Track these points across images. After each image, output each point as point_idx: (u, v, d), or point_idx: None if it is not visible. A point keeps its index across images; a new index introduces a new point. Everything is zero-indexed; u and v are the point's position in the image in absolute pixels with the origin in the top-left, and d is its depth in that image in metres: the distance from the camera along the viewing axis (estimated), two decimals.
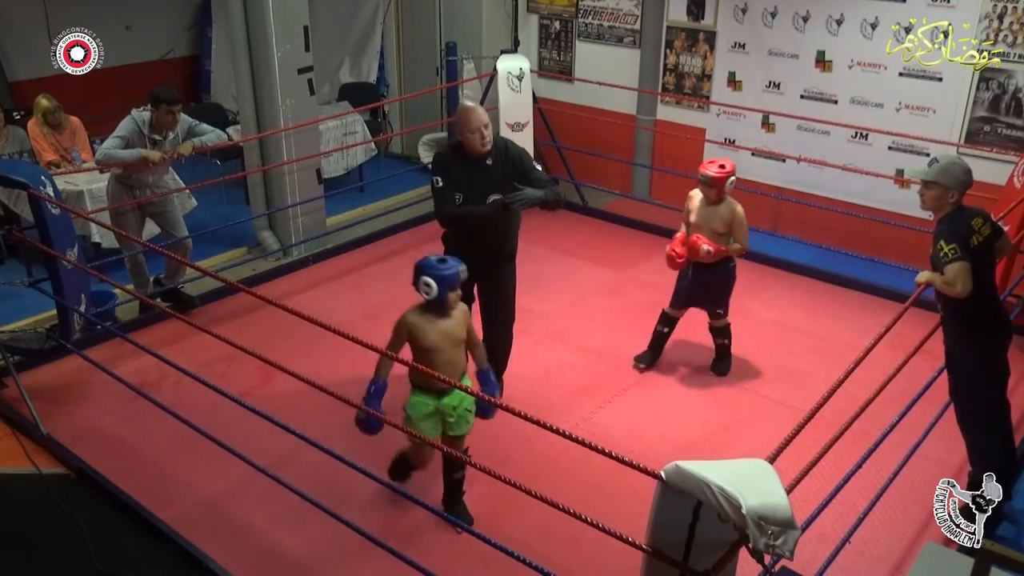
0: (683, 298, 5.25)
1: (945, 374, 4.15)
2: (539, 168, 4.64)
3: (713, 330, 5.34)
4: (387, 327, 5.78)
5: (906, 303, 3.77)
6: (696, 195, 5.07)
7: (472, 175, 4.49)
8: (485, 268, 4.59)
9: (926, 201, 3.83)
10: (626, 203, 7.98)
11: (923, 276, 3.83)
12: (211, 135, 5.87)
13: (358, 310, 6.07)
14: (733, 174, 4.91)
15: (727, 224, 4.96)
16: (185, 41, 9.60)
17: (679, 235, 5.12)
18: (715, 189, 4.89)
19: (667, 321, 5.35)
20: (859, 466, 3.66)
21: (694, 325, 5.91)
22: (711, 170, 4.88)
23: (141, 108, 5.58)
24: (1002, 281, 5.36)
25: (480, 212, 4.50)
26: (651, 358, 5.41)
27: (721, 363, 5.36)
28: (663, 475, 2.20)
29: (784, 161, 7.16)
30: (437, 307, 3.68)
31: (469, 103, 4.55)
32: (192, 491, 4.28)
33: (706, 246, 4.89)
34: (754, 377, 5.30)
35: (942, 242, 3.65)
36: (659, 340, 5.40)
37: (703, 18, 7.50)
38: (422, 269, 3.65)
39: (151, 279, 6.13)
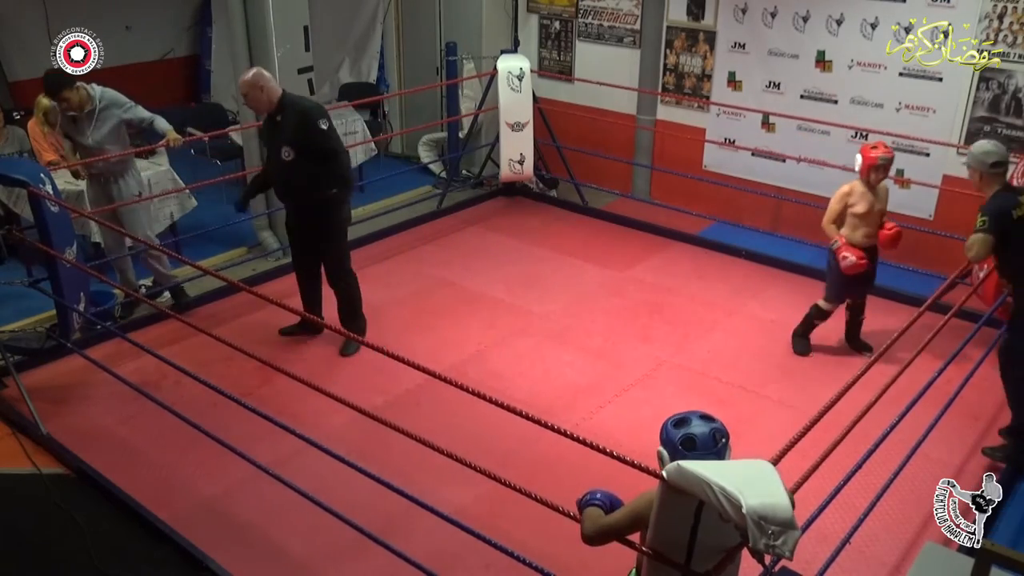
0: (850, 289, 5.30)
1: (945, 374, 4.19)
2: (323, 128, 5.00)
3: (858, 308, 5.46)
4: (386, 326, 5.82)
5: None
6: (855, 188, 5.12)
7: (268, 130, 5.20)
8: (299, 218, 5.29)
9: None
10: (626, 203, 7.98)
11: None
12: (159, 123, 5.66)
13: None
14: None
15: (886, 200, 5.19)
16: (185, 41, 9.61)
17: (841, 241, 5.13)
18: (889, 169, 5.09)
19: (824, 315, 5.44)
20: (859, 466, 3.65)
21: (694, 326, 5.92)
22: (886, 151, 5.02)
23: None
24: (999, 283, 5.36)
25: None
26: (806, 346, 5.55)
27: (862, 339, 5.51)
28: (664, 475, 2.20)
29: (784, 161, 7.16)
30: None
31: (249, 71, 5.10)
32: (192, 491, 4.27)
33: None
34: (754, 377, 5.30)
35: None
36: (811, 328, 5.52)
37: (703, 18, 7.50)
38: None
39: (153, 278, 6.16)
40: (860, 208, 5.08)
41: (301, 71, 6.66)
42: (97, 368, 4.86)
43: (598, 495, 2.59)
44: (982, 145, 4.34)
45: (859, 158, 5.06)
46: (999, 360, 4.44)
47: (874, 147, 5.05)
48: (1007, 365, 4.39)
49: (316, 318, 4.72)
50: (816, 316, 5.45)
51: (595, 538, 2.53)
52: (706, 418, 2.35)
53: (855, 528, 3.63)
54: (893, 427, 3.78)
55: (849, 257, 5.06)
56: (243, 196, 5.59)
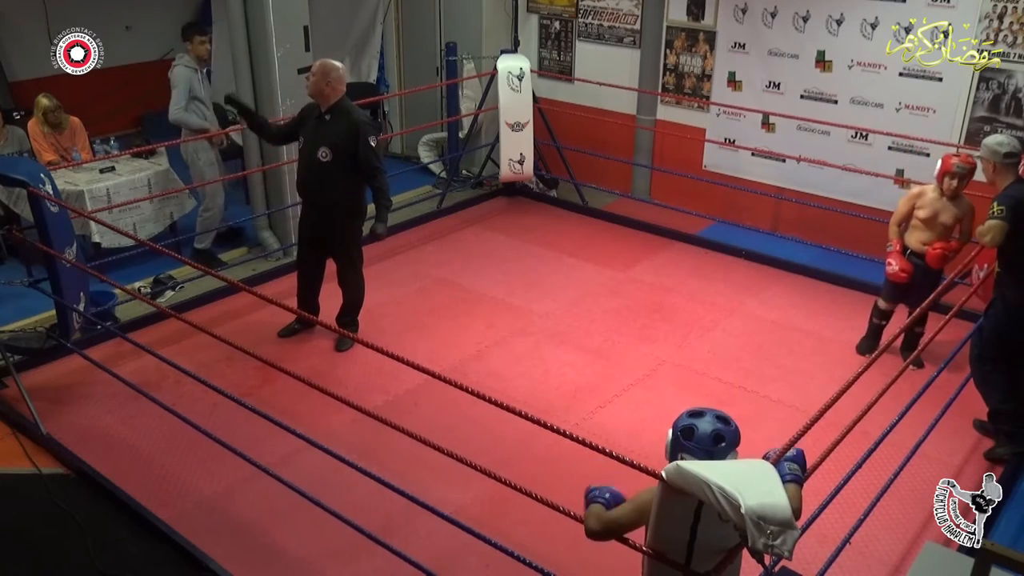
0: (899, 294, 5.28)
1: (945, 374, 4.19)
2: (372, 145, 5.12)
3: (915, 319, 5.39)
4: (386, 326, 5.83)
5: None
6: (928, 190, 5.09)
7: (309, 126, 5.19)
8: (318, 218, 5.30)
9: None
10: (626, 203, 7.98)
11: None
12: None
13: None
14: None
15: (957, 218, 5.03)
16: None
17: (895, 246, 5.18)
18: (968, 180, 4.95)
19: (883, 315, 5.41)
20: (859, 466, 3.66)
21: (694, 326, 5.92)
22: (965, 160, 4.93)
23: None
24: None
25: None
26: (870, 347, 5.43)
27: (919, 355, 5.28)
28: (664, 475, 2.20)
29: (784, 161, 7.15)
30: None
31: (328, 61, 5.13)
32: (192, 491, 4.27)
33: (951, 253, 5.03)
34: (754, 377, 5.30)
35: None
36: (877, 331, 5.44)
37: (703, 18, 7.49)
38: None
39: (153, 278, 6.17)
40: (923, 213, 5.06)
41: (301, 71, 6.64)
42: (97, 368, 4.86)
43: (607, 494, 2.56)
44: (995, 137, 4.46)
45: (939, 163, 5.02)
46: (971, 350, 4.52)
47: (956, 155, 5.05)
48: (981, 351, 4.45)
49: (312, 317, 4.71)
50: (874, 315, 5.44)
51: (600, 534, 2.51)
52: (721, 418, 2.43)
53: (855, 528, 3.63)
54: (893, 427, 3.78)
55: (892, 265, 5.15)
56: (242, 103, 5.51)
